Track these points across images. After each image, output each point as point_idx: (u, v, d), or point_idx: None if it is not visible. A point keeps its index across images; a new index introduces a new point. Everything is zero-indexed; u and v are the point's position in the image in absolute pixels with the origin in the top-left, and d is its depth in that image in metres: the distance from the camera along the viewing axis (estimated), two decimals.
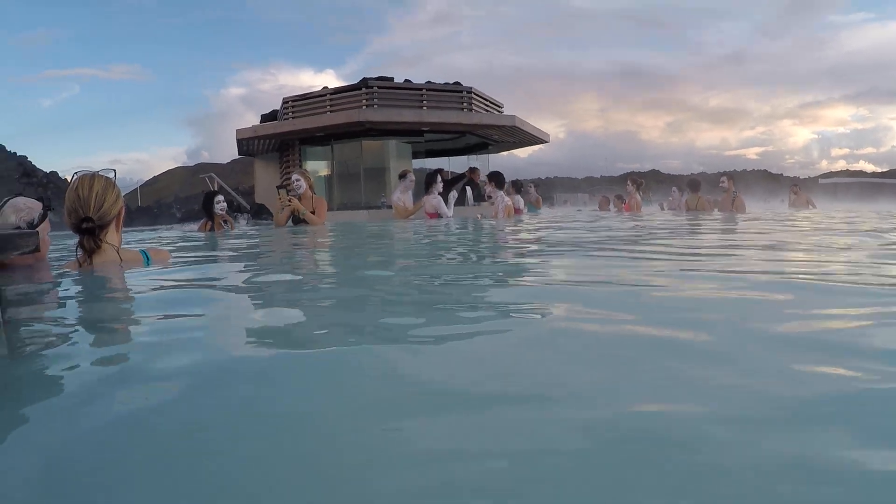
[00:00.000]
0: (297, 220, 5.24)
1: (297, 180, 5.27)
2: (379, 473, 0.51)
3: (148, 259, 2.15)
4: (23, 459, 0.57)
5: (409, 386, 0.75)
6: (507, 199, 6.58)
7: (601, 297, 1.42)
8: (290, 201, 5.21)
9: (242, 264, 2.66)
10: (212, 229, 5.32)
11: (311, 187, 5.35)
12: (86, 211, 1.91)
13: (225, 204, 5.50)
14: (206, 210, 5.43)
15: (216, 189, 15.08)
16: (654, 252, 2.54)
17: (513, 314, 1.27)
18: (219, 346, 1.02)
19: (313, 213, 5.23)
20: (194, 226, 9.15)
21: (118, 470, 0.53)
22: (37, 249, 1.09)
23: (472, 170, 10.66)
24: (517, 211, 7.74)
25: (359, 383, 0.77)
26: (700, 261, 2.25)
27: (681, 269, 1.94)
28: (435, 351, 0.93)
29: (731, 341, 0.93)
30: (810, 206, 9.39)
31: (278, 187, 5.30)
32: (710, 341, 0.93)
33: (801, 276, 1.73)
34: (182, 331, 1.13)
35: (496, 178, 6.65)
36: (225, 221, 5.47)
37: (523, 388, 0.73)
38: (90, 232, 1.93)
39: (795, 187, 10.39)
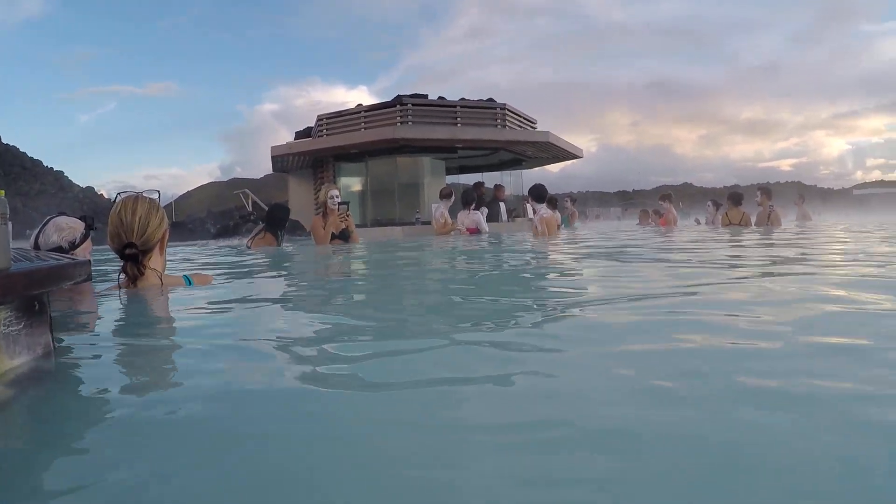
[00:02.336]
0: (334, 236, 5.21)
1: (338, 196, 5.19)
2: None
3: (191, 285, 2.06)
4: (73, 467, 0.63)
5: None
6: (547, 212, 6.27)
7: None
8: (347, 216, 5.16)
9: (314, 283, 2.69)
10: (278, 245, 5.21)
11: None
12: (129, 236, 1.84)
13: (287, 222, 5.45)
14: (278, 226, 5.23)
15: (251, 205, 15.22)
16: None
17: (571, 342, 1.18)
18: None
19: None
20: (236, 240, 9.06)
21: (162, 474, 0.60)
22: (89, 278, 1.00)
23: (498, 187, 10.76)
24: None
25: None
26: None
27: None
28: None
29: None
30: (806, 220, 9.53)
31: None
32: None
33: None
34: (219, 354, 1.14)
35: (535, 192, 6.34)
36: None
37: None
38: (133, 258, 1.85)
39: (800, 199, 10.30)
